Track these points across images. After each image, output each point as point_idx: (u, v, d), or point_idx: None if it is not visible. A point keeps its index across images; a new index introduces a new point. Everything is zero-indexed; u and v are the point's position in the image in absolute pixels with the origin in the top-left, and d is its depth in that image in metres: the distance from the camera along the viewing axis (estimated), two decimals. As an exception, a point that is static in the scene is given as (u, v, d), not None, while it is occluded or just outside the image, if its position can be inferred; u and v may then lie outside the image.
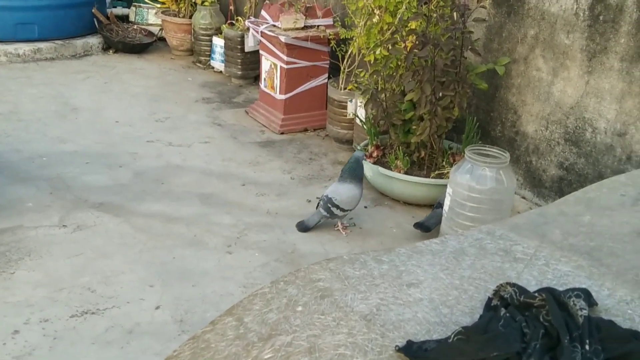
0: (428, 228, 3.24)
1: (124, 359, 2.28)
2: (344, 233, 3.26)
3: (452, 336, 1.23)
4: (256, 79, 5.56)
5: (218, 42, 5.83)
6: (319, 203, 3.28)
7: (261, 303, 1.42)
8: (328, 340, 1.28)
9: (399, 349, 1.24)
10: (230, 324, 1.37)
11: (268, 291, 1.46)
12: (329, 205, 3.20)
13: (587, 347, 1.19)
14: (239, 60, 5.52)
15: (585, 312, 1.28)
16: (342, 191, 3.21)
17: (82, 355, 2.28)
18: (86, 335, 2.38)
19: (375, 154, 3.68)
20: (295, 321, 1.34)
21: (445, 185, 3.16)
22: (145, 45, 6.47)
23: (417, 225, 3.26)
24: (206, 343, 1.35)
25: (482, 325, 1.27)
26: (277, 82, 4.62)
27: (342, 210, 3.21)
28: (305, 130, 4.69)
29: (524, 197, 3.69)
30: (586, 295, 1.36)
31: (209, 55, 6.03)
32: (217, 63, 5.91)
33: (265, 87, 4.78)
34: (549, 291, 1.35)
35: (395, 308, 1.38)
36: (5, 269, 2.75)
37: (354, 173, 3.24)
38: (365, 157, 3.46)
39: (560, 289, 1.40)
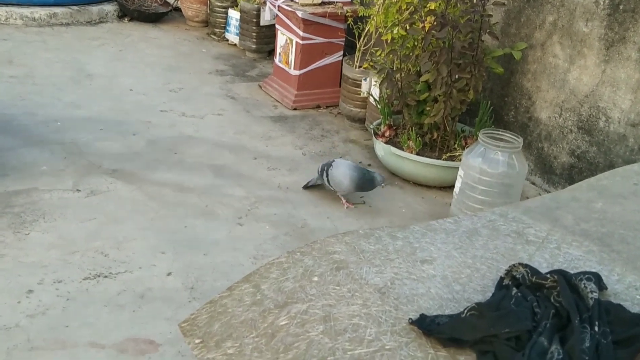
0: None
1: (135, 323, 2.32)
2: (345, 206, 3.31)
3: (465, 312, 1.27)
4: (270, 53, 5.56)
5: (234, 14, 5.82)
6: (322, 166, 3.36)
7: (278, 272, 1.45)
8: (343, 310, 1.31)
9: (412, 322, 1.27)
10: (247, 290, 1.41)
11: (285, 261, 1.49)
12: (325, 168, 3.29)
13: (596, 328, 1.22)
14: (254, 34, 5.51)
15: (595, 295, 1.31)
16: (342, 172, 3.23)
17: (94, 316, 2.33)
18: (98, 298, 2.43)
19: (387, 134, 3.69)
20: (311, 290, 1.37)
21: (457, 168, 3.18)
22: (160, 15, 6.46)
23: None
24: (223, 307, 1.39)
25: (495, 302, 1.30)
26: (292, 57, 4.62)
27: (329, 182, 3.28)
28: (318, 107, 4.70)
29: (533, 183, 3.70)
30: (597, 278, 1.39)
31: (224, 28, 6.02)
32: (232, 36, 5.90)
33: (280, 61, 4.78)
34: (561, 273, 1.38)
35: (409, 283, 1.41)
36: (20, 229, 2.79)
37: (364, 177, 3.23)
38: (377, 138, 3.47)
39: (571, 272, 1.43)
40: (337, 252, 1.51)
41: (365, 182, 3.24)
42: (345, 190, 3.27)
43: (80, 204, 3.06)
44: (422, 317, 1.28)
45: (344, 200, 3.34)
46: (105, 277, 2.55)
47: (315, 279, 1.41)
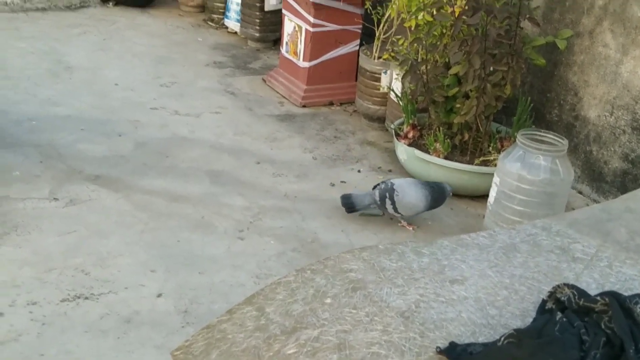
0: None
1: (120, 351, 2.33)
2: (410, 228, 3.27)
3: (502, 339, 1.26)
4: (276, 42, 5.58)
5: (234, -2, 5.86)
6: (377, 185, 3.27)
7: (285, 293, 1.46)
8: (360, 337, 1.31)
9: (441, 351, 1.27)
10: (249, 313, 1.41)
11: (293, 280, 1.49)
12: (387, 195, 3.18)
13: (654, 359, 1.21)
14: (258, 21, 5.54)
15: (653, 321, 1.30)
16: (410, 192, 3.18)
17: (73, 343, 2.34)
18: (78, 322, 2.44)
19: (411, 135, 3.69)
20: (324, 314, 1.37)
21: (491, 174, 3.18)
22: (150, -1, 6.52)
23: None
24: (222, 333, 1.39)
25: (536, 329, 1.30)
26: (300, 47, 4.63)
27: (396, 210, 3.19)
28: (331, 104, 4.70)
29: (580, 192, 3.69)
30: (655, 302, 1.38)
31: (223, 13, 6.05)
32: (232, 22, 5.93)
33: (287, 52, 4.80)
34: (613, 295, 1.37)
35: (437, 306, 1.41)
36: (-11, 244, 2.82)
37: (434, 192, 3.21)
38: (398, 139, 3.48)
39: (625, 294, 1.42)
40: (353, 270, 1.52)
41: (438, 198, 3.22)
42: (419, 212, 3.23)
43: (57, 215, 3.07)
44: (452, 345, 1.28)
45: (405, 224, 3.29)
46: (87, 298, 2.56)
47: (328, 300, 1.42)
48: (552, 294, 1.42)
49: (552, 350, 1.22)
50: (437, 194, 3.21)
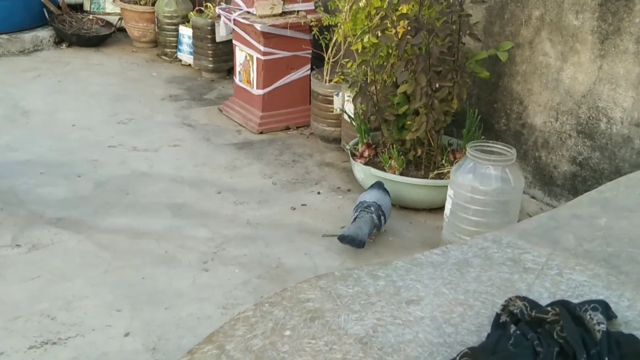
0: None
1: (91, 395, 2.28)
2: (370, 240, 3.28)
3: (458, 358, 1.26)
4: (230, 72, 5.57)
5: (185, 31, 5.83)
6: (357, 214, 3.22)
7: (244, 328, 1.43)
8: (320, 367, 1.29)
9: (399, 375, 1.26)
10: (210, 352, 1.39)
11: (251, 314, 1.47)
12: (380, 213, 3.23)
13: (606, 365, 1.22)
14: (210, 52, 5.53)
15: (603, 327, 1.30)
16: (381, 195, 3.32)
17: (43, 391, 2.29)
18: (47, 369, 2.39)
19: (366, 154, 3.70)
20: (283, 347, 1.35)
21: (447, 186, 3.19)
22: (102, 38, 6.45)
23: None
24: (184, 375, 1.36)
25: (491, 344, 1.29)
26: (253, 75, 4.63)
27: (386, 219, 3.29)
28: (287, 128, 4.70)
29: (533, 197, 3.73)
30: (604, 307, 1.39)
31: (176, 47, 6.03)
32: (185, 55, 5.91)
33: (241, 81, 4.80)
34: (563, 304, 1.38)
35: (394, 329, 1.40)
36: (-48, 296, 2.75)
37: (378, 185, 3.40)
38: (355, 159, 3.49)
39: (575, 301, 1.43)
40: (310, 300, 1.50)
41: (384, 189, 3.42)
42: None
43: (21, 261, 3.01)
44: (410, 368, 1.27)
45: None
46: (54, 343, 2.51)
47: (287, 333, 1.40)
48: (505, 307, 1.42)
49: (507, 365, 1.22)
50: (380, 185, 3.40)
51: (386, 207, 3.29)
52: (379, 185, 3.40)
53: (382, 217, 3.25)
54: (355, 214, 3.26)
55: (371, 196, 3.30)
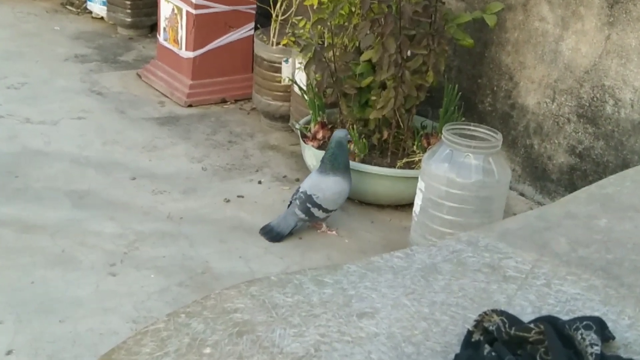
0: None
1: None
2: (330, 234, 3.38)
3: (418, 384, 1.26)
4: (153, 29, 5.52)
5: (98, -24, 5.77)
6: (291, 202, 3.35)
7: (153, 344, 1.42)
8: (246, 393, 1.29)
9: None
10: (107, 374, 1.37)
11: (163, 327, 1.46)
12: (308, 205, 3.26)
13: (598, 395, 1.23)
14: (129, 3, 5.48)
15: (597, 349, 1.32)
16: (325, 186, 3.29)
17: None
18: None
19: (320, 135, 3.70)
20: (202, 368, 1.34)
21: (416, 178, 3.21)
22: (-8, -20, 6.34)
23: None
24: (74, 401, 1.34)
25: (459, 368, 1.30)
26: (182, 33, 4.59)
27: (326, 210, 3.30)
28: (224, 101, 4.69)
29: (522, 194, 3.77)
30: (599, 325, 1.40)
31: (86, -5, 5.97)
32: (97, 6, 5.84)
33: (166, 40, 4.75)
34: (549, 321, 1.38)
35: (341, 347, 1.39)
36: None
37: (336, 160, 3.30)
38: (305, 141, 3.49)
39: (566, 317, 1.44)
40: (239, 310, 1.49)
41: (346, 160, 3.36)
42: (346, 194, 3.36)
43: None
44: (359, 395, 1.27)
45: (326, 229, 3.39)
46: None
47: (208, 350, 1.38)
48: (478, 323, 1.43)
49: (477, 393, 1.22)
50: (338, 158, 3.30)
51: (325, 192, 3.28)
52: (324, 160, 3.34)
53: (317, 208, 3.27)
54: (290, 200, 3.40)
55: (306, 184, 3.33)
